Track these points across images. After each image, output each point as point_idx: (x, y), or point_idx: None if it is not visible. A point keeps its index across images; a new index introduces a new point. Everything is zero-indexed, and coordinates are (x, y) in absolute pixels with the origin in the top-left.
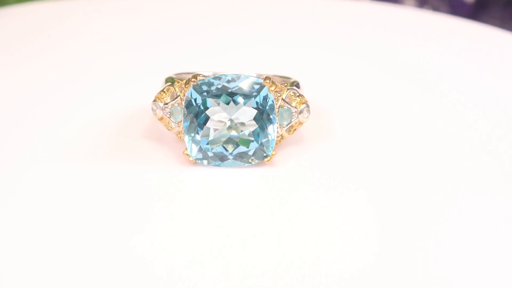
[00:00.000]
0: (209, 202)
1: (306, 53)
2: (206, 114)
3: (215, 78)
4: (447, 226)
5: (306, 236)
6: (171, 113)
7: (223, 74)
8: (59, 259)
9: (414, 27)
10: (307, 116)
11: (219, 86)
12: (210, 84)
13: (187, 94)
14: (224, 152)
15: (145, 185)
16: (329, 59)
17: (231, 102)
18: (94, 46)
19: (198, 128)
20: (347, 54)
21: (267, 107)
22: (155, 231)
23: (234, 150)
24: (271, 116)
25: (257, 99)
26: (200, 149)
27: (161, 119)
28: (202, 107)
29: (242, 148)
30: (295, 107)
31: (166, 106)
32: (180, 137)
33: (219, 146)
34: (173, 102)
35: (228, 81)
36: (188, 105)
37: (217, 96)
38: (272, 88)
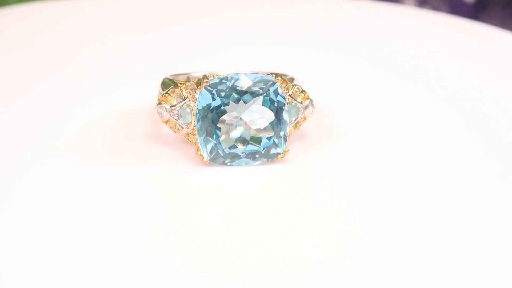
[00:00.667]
0: (220, 202)
1: (306, 53)
2: (218, 114)
3: (224, 78)
4: (447, 226)
5: (308, 234)
6: (179, 115)
7: (232, 74)
8: (59, 259)
9: (414, 26)
10: (312, 111)
11: (229, 86)
12: (219, 84)
13: (198, 95)
14: (237, 151)
15: (150, 185)
16: (329, 59)
17: (242, 101)
18: (94, 46)
19: (211, 129)
20: (347, 53)
21: (278, 104)
22: (166, 231)
23: (246, 148)
24: (282, 113)
25: (268, 96)
26: (213, 150)
27: (167, 121)
28: (213, 108)
29: (254, 147)
30: (301, 103)
31: (173, 108)
32: (188, 138)
33: (231, 145)
34: (181, 103)
35: (237, 80)
36: (200, 106)
37: (227, 96)
38: (283, 85)
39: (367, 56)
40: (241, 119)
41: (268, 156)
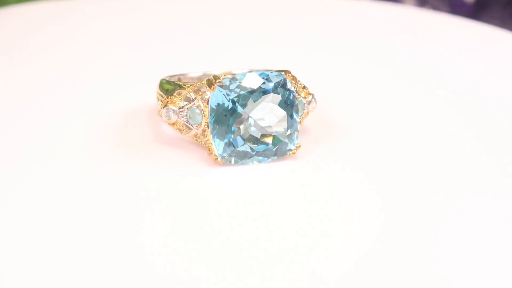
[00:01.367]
0: (231, 201)
1: (306, 53)
2: (229, 114)
3: (233, 77)
4: (447, 226)
5: (303, 233)
6: (188, 117)
7: (242, 73)
8: (60, 260)
9: (414, 26)
10: (315, 106)
11: (239, 84)
12: (229, 84)
13: (210, 95)
14: (249, 149)
15: (151, 186)
16: (329, 58)
17: (252, 99)
18: (94, 46)
19: (224, 128)
20: (347, 53)
21: (289, 101)
22: (176, 231)
23: (257, 146)
24: (292, 110)
25: (278, 93)
26: (226, 149)
27: (173, 124)
28: (225, 107)
29: (265, 144)
30: (304, 98)
31: (181, 110)
32: (197, 140)
33: (243, 144)
34: (190, 105)
35: (247, 79)
36: (213, 106)
37: (238, 94)
38: (294, 82)
39: (367, 56)
40: (252, 117)
41: (280, 153)
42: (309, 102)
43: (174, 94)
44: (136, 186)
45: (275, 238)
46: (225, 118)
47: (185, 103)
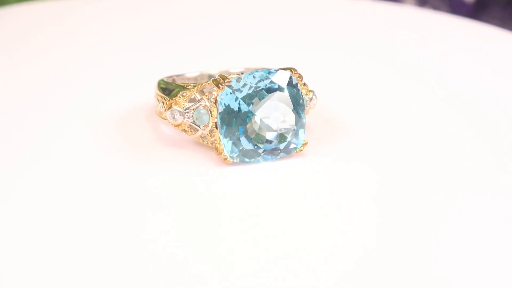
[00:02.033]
0: (239, 200)
1: (306, 52)
2: (238, 113)
3: (239, 76)
4: (447, 226)
5: (304, 232)
6: (195, 117)
7: (248, 72)
8: (60, 260)
9: (414, 26)
10: (316, 103)
11: (245, 84)
12: (236, 83)
13: (219, 96)
14: (256, 148)
15: (144, 185)
16: (329, 58)
17: (257, 98)
18: (94, 46)
19: (232, 128)
20: (347, 53)
21: (295, 99)
22: (164, 231)
23: (265, 145)
24: (298, 107)
25: (287, 92)
26: (234, 148)
27: (178, 125)
28: (234, 107)
29: (273, 142)
30: (306, 95)
31: (187, 111)
32: (203, 140)
33: (251, 143)
34: (196, 105)
35: (253, 78)
36: (221, 106)
37: (245, 94)
38: (300, 79)
39: (367, 55)
40: (259, 115)
41: (287, 150)
42: (311, 99)
43: (178, 95)
44: (136, 186)
45: (278, 237)
46: (233, 117)
47: (191, 104)
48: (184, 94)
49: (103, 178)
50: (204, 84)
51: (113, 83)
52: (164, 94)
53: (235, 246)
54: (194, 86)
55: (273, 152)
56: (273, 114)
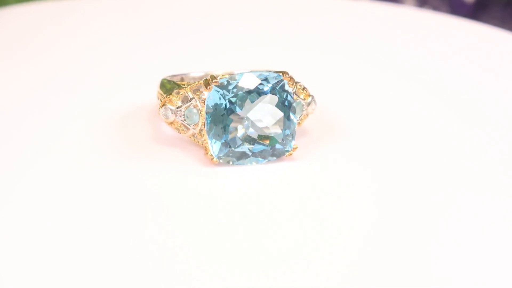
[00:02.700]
0: (219, 201)
1: (306, 53)
2: (226, 114)
3: (231, 77)
4: (447, 226)
5: (304, 233)
6: (186, 116)
7: (239, 73)
8: (60, 260)
9: (414, 26)
10: (314, 108)
11: (237, 85)
12: (227, 84)
13: (207, 95)
14: (245, 150)
15: (144, 185)
16: (329, 59)
17: (249, 100)
18: (94, 46)
19: (220, 128)
20: (347, 53)
21: (286, 102)
22: (163, 231)
23: (254, 147)
24: (289, 111)
25: (276, 94)
26: (222, 149)
27: (171, 123)
28: (222, 108)
29: (262, 145)
30: (304, 99)
31: (179, 109)
32: (195, 139)
33: (240, 144)
34: (187, 105)
35: (245, 79)
36: (209, 106)
37: (235, 95)
38: (291, 83)
39: (367, 56)
40: (249, 118)
41: (277, 154)
42: (309, 104)
43: (173, 94)
44: (136, 186)
45: (274, 239)
46: (222, 118)
47: (183, 102)
48: (178, 93)
49: (103, 178)
50: (197, 83)
51: (113, 83)
52: (164, 92)
53: (235, 246)
54: (188, 85)
55: (263, 154)
56: (263, 116)
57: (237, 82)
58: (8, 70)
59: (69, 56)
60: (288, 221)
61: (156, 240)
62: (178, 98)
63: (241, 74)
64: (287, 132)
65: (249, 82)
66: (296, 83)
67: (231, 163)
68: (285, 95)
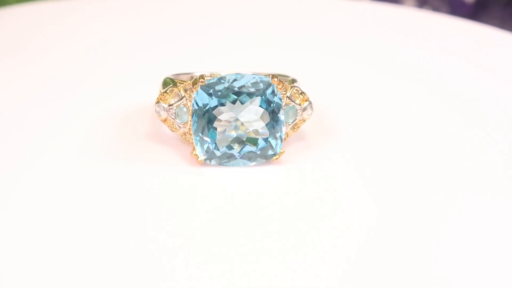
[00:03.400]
0: (217, 202)
1: (306, 53)
2: (213, 114)
3: (221, 78)
4: (447, 226)
5: (303, 236)
6: (176, 114)
7: (229, 74)
8: (59, 260)
9: (414, 27)
10: (311, 113)
11: (226, 86)
12: (216, 84)
13: (195, 94)
14: (232, 151)
15: (144, 185)
16: (329, 59)
17: (238, 102)
18: (94, 46)
19: (206, 129)
20: (347, 54)
21: (275, 106)
22: (161, 231)
23: (241, 149)
24: (278, 115)
25: (264, 97)
26: (208, 149)
27: (164, 120)
28: (209, 107)
29: (249, 147)
30: (299, 105)
31: (170, 107)
32: (185, 138)
33: (227, 145)
34: (179, 103)
35: (234, 81)
36: (196, 105)
37: (224, 96)
38: (280, 87)
39: (367, 56)
40: (237, 119)
41: (264, 157)
42: (304, 109)
43: (167, 91)
44: (136, 186)
45: (277, 238)
46: (208, 118)
47: (176, 101)
48: (172, 91)
49: (103, 178)
50: (189, 82)
51: (113, 83)
52: (162, 90)
53: (235, 246)
54: (182, 84)
55: (249, 156)
56: (250, 118)
57: (227, 83)
58: (8, 70)
59: (69, 56)
60: (288, 221)
61: (156, 240)
62: (171, 96)
63: (230, 75)
64: (275, 135)
65: (239, 83)
66: (292, 87)
67: (217, 163)
68: (273, 98)
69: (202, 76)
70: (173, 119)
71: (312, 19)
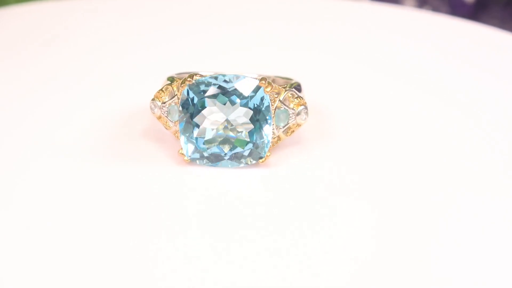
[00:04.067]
0: (205, 202)
1: (306, 54)
2: (202, 114)
3: (212, 78)
4: (447, 226)
5: (302, 237)
6: (168, 112)
7: (220, 74)
8: (59, 259)
9: (414, 27)
10: (305, 118)
11: (215, 86)
12: (207, 84)
13: (183, 93)
14: (220, 152)
15: (144, 185)
16: (329, 60)
17: (228, 102)
18: (94, 46)
19: (194, 128)
20: (347, 54)
21: (263, 108)
22: (153, 231)
23: (229, 150)
24: (267, 117)
25: (254, 99)
26: (196, 149)
27: (159, 118)
28: (198, 107)
29: (237, 149)
30: (293, 109)
31: (164, 105)
32: (177, 136)
33: (214, 146)
34: (171, 101)
35: (225, 81)
36: (184, 104)
37: (213, 96)
38: (268, 89)
39: (367, 56)
40: (224, 120)
41: (251, 159)
42: (298, 114)
43: (163, 89)
44: (136, 186)
45: (277, 238)
46: (196, 117)
47: (169, 98)
48: (167, 89)
49: (103, 178)
50: (181, 80)
51: (113, 83)
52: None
53: (235, 246)
54: (176, 82)
55: (237, 157)
56: (237, 119)
57: (216, 83)
58: (8, 70)
59: (69, 56)
60: (287, 221)
61: (156, 240)
62: (166, 94)
63: (220, 75)
64: (262, 138)
65: (228, 84)
66: (286, 91)
67: (203, 163)
68: (262, 101)
69: (191, 75)
70: (166, 117)
71: (312, 20)
